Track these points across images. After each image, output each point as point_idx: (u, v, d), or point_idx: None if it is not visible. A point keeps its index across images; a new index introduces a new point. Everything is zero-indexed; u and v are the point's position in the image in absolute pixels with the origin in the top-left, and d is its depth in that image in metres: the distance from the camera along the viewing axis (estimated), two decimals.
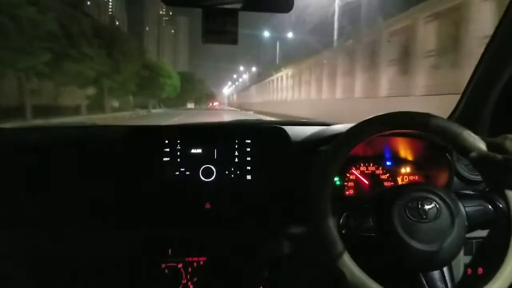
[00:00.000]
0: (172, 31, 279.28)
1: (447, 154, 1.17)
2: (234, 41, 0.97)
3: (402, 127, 0.95)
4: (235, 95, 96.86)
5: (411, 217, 0.85)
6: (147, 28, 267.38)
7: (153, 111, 37.82)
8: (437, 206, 0.86)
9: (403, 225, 0.85)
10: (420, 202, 0.87)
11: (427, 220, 0.85)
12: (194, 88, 67.18)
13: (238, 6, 0.93)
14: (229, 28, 0.96)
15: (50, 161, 1.16)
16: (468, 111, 1.28)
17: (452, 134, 0.87)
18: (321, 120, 1.50)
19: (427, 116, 0.91)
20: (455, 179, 1.17)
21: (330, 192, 0.89)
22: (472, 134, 0.87)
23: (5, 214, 1.11)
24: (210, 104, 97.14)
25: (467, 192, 0.95)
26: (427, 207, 0.86)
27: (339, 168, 0.91)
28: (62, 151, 1.19)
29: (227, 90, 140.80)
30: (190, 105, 67.02)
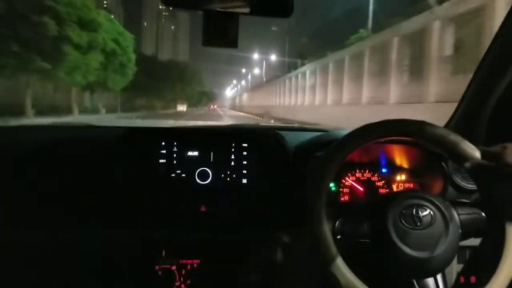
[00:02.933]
0: (172, 27, 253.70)
1: (442, 162, 1.17)
2: (234, 44, 0.97)
3: (397, 135, 0.95)
4: (245, 95, 72.36)
5: (405, 224, 0.85)
6: (145, 24, 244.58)
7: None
8: (432, 213, 0.87)
9: (397, 232, 0.85)
10: (414, 209, 0.87)
11: (421, 227, 0.85)
12: (187, 86, 48.24)
13: (239, 10, 0.93)
14: (229, 32, 0.96)
15: (44, 161, 1.16)
16: (465, 119, 1.29)
17: (446, 142, 0.88)
18: (319, 126, 1.50)
19: (421, 123, 0.92)
20: (450, 187, 1.18)
21: (325, 197, 0.90)
22: (467, 143, 0.88)
23: (2, 214, 1.11)
24: (212, 106, 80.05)
25: (462, 200, 0.96)
26: (421, 214, 0.86)
27: (334, 174, 0.91)
28: (58, 151, 1.18)
29: (230, 91, 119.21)
30: (181, 108, 50.05)
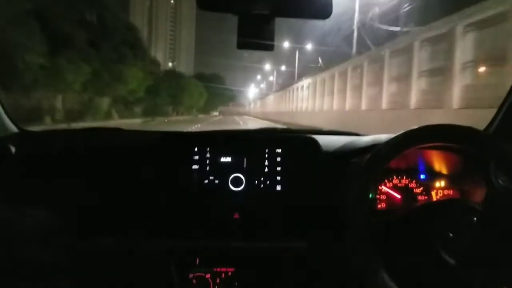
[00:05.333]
0: (172, 1, 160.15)
1: (484, 169, 1.12)
2: (270, 47, 0.95)
3: (444, 141, 0.92)
4: (271, 97, 51.97)
5: (449, 236, 0.82)
6: None
7: None
8: (477, 224, 0.83)
9: (441, 245, 0.82)
10: (458, 221, 0.84)
11: (466, 239, 0.82)
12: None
13: (275, 12, 0.91)
14: (265, 35, 0.94)
15: (75, 166, 1.15)
16: (506, 125, 1.24)
17: (500, 153, 0.84)
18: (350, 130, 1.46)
19: (469, 130, 0.88)
20: (492, 194, 1.13)
21: (366, 206, 0.87)
22: None
23: (31, 220, 1.10)
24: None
25: (506, 208, 0.92)
26: (465, 225, 0.83)
27: (375, 182, 0.89)
28: (89, 155, 1.18)
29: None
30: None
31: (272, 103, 49.84)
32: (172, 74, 47.61)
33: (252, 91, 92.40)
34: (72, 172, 1.14)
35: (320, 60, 27.10)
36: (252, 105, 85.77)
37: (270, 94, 54.42)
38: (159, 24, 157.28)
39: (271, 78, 64.64)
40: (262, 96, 70.23)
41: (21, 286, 1.09)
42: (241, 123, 31.53)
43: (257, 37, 0.94)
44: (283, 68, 50.98)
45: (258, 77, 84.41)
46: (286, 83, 40.96)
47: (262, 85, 78.46)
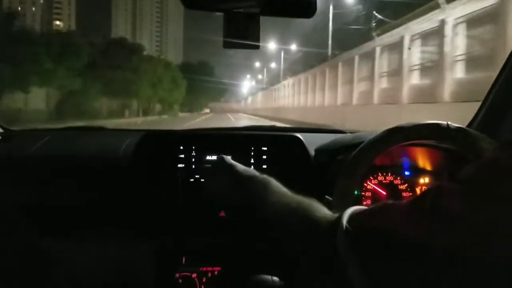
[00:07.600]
0: None
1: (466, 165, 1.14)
2: (255, 46, 0.95)
3: (427, 138, 0.93)
4: (285, 83, 37.88)
5: None
6: None
7: None
8: None
9: None
10: None
11: None
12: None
13: (260, 10, 0.92)
14: (251, 33, 0.94)
15: (59, 166, 1.14)
16: (489, 120, 1.26)
17: (484, 150, 0.85)
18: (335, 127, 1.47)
19: (452, 127, 0.89)
20: None
21: (351, 204, 0.88)
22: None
23: (16, 221, 1.09)
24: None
25: None
26: None
27: (360, 179, 0.90)
28: (72, 154, 1.17)
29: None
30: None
31: (287, 94, 36.04)
32: (114, 44, 28.45)
33: (248, 83, 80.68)
34: (55, 171, 1.13)
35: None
36: (250, 100, 73.20)
37: (284, 80, 39.59)
38: (144, 19, 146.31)
39: (273, 64, 52.02)
40: (265, 87, 57.60)
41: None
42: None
43: (243, 36, 0.94)
44: (293, 46, 39.09)
45: (257, 64, 72.57)
46: (299, 68, 31.90)
47: (260, 76, 67.37)
